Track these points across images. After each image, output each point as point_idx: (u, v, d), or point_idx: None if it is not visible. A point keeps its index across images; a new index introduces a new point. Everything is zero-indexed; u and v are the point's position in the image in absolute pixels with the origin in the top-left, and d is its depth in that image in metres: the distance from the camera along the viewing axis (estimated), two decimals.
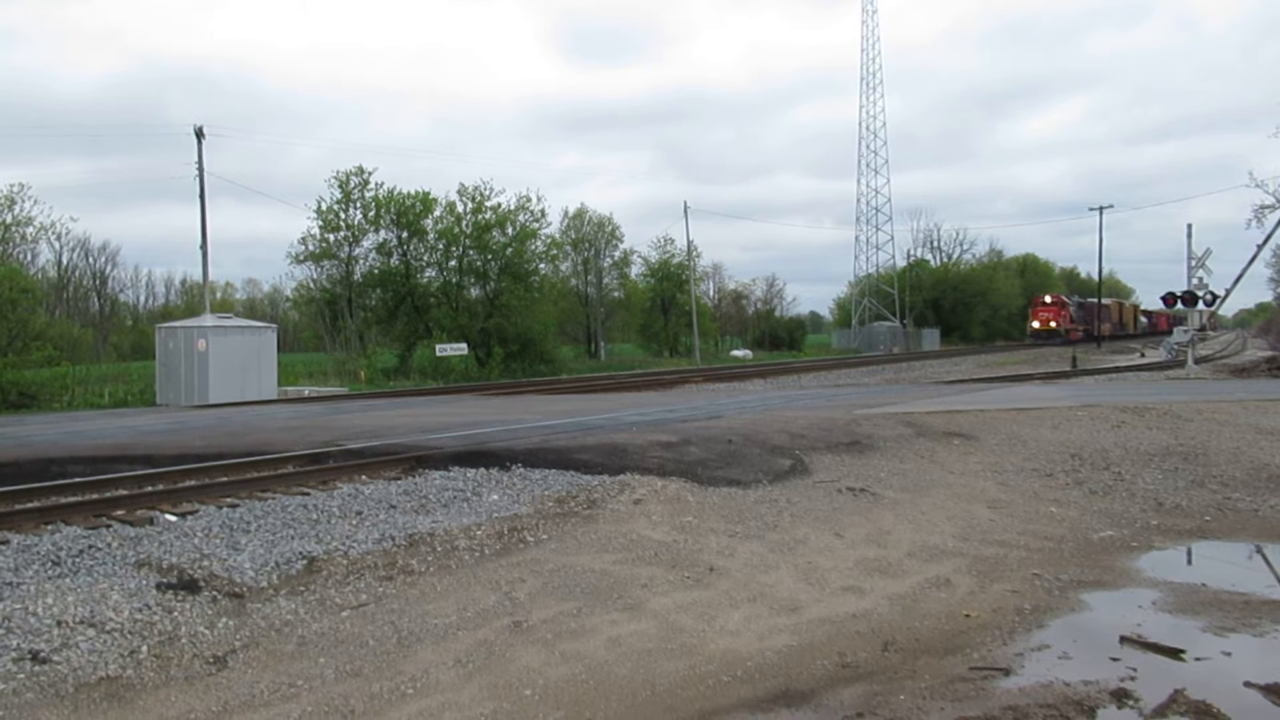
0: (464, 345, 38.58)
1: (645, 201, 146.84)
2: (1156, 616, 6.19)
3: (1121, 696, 4.80)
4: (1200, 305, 29.21)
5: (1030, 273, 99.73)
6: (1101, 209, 67.47)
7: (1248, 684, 4.99)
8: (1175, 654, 5.44)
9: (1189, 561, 7.97)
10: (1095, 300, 75.60)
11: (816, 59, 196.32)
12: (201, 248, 32.76)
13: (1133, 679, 5.03)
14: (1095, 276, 76.44)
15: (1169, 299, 29.86)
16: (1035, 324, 72.80)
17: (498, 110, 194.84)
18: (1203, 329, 31.61)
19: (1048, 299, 74.62)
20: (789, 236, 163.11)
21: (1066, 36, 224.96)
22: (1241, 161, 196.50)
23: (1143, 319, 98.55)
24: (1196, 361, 31.18)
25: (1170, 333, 43.77)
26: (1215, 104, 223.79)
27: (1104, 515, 9.18)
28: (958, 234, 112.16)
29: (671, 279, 63.20)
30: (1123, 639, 5.70)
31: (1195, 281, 29.37)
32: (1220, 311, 40.54)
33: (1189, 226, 31.13)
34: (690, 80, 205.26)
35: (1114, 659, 5.37)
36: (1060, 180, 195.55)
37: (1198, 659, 5.39)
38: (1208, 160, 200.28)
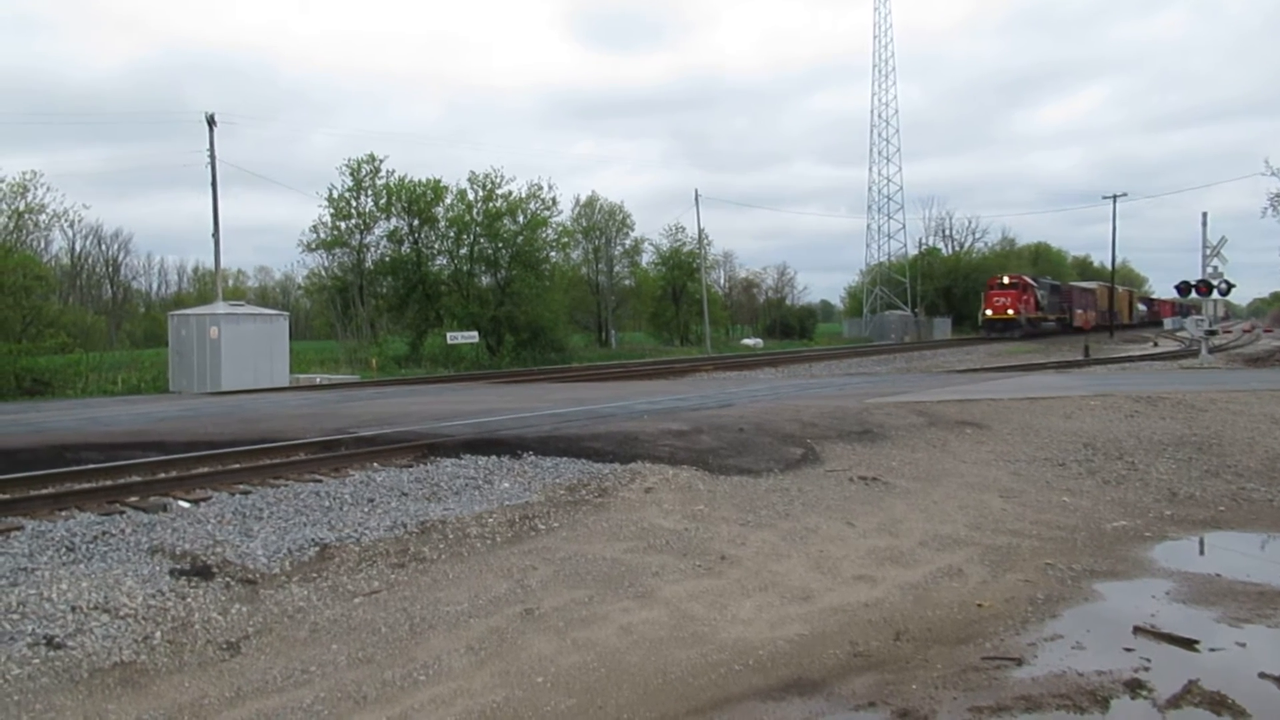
0: (475, 333, 38.64)
1: (658, 189, 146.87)
2: (1170, 607, 6.16)
3: (1135, 687, 4.77)
4: (1215, 294, 28.99)
5: (1043, 261, 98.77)
6: (1115, 197, 66.41)
7: (1263, 675, 4.96)
8: (1189, 644, 5.40)
9: (1203, 552, 7.92)
10: (1071, 284, 70.39)
11: (835, 45, 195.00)
12: (214, 235, 32.90)
13: (1146, 669, 5.01)
14: (1109, 265, 75.33)
15: (1182, 288, 29.65)
16: (989, 311, 58.38)
17: (512, 97, 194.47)
18: (1213, 331, 31.42)
19: (1005, 280, 59.85)
20: (801, 225, 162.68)
21: (1087, 22, 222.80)
22: (1259, 149, 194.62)
23: (1141, 307, 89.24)
24: (1210, 351, 30.98)
25: (1174, 318, 43.42)
26: (1234, 91, 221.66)
27: (1117, 505, 9.14)
28: (970, 222, 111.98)
29: (682, 267, 63.14)
30: (1136, 629, 5.67)
31: (1210, 270, 29.14)
32: (1233, 300, 40.34)
33: (1204, 215, 30.76)
34: (707, 67, 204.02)
35: (1127, 649, 5.34)
36: (1076, 168, 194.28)
37: (1212, 650, 5.36)
38: (1225, 148, 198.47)
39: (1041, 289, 62.43)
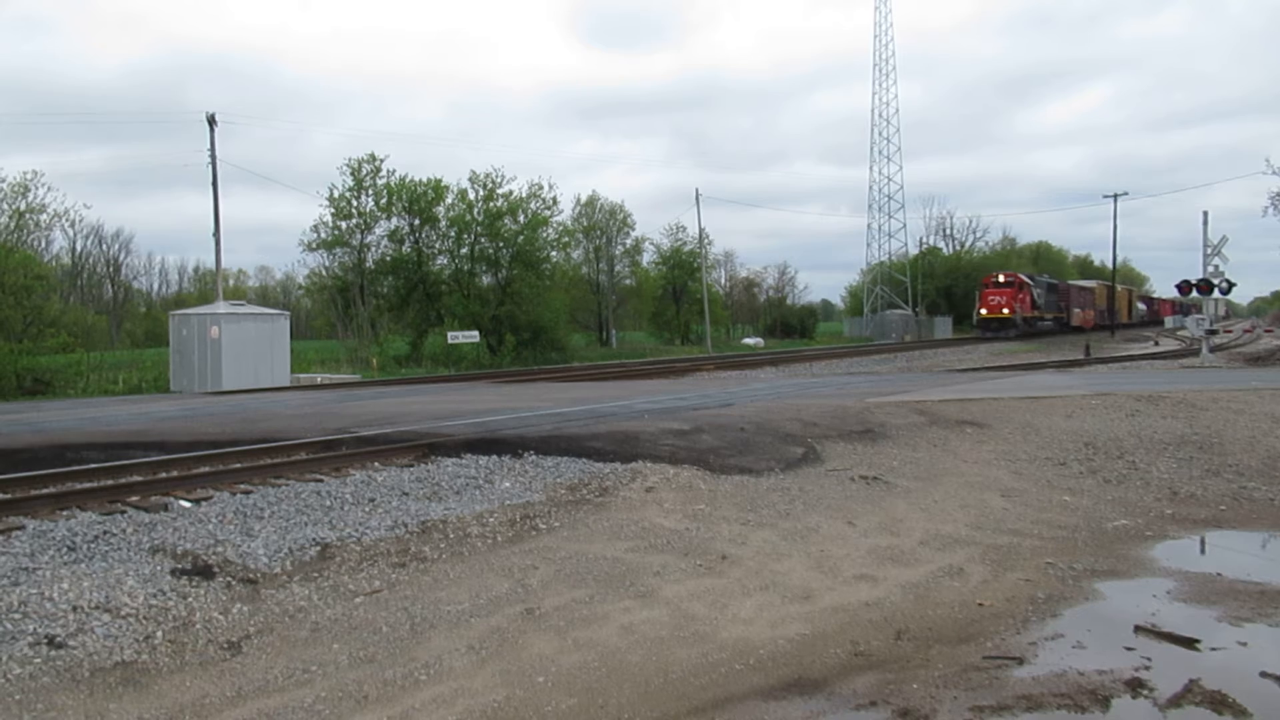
0: (475, 333, 38.63)
1: (660, 188, 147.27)
2: (1171, 606, 6.16)
3: (1136, 686, 4.77)
4: (1216, 293, 29.00)
5: (1043, 260, 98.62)
6: (1116, 196, 66.29)
7: (1264, 674, 4.96)
8: (1190, 644, 5.40)
9: (1204, 551, 7.92)
10: (1069, 282, 69.44)
11: (837, 45, 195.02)
12: (214, 235, 32.92)
13: (1147, 669, 5.00)
14: (1109, 264, 75.20)
15: (1183, 287, 29.65)
16: (983, 310, 57.10)
17: (514, 97, 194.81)
18: (1214, 330, 31.45)
19: (1000, 278, 58.36)
20: (802, 224, 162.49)
21: (1090, 22, 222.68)
22: (1261, 148, 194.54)
23: (1140, 305, 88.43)
24: (1211, 350, 30.97)
25: (1174, 316, 43.41)
26: (1236, 90, 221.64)
27: (1118, 504, 9.14)
28: (970, 221, 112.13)
29: (683, 267, 63.20)
30: (1137, 628, 5.67)
31: (1211, 269, 29.14)
32: (1234, 299, 40.43)
33: (1204, 214, 30.93)
34: (710, 66, 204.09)
35: (1128, 648, 5.34)
36: (1079, 168, 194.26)
37: (1213, 649, 5.36)
38: (1227, 147, 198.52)
39: (1038, 287, 61.04)
